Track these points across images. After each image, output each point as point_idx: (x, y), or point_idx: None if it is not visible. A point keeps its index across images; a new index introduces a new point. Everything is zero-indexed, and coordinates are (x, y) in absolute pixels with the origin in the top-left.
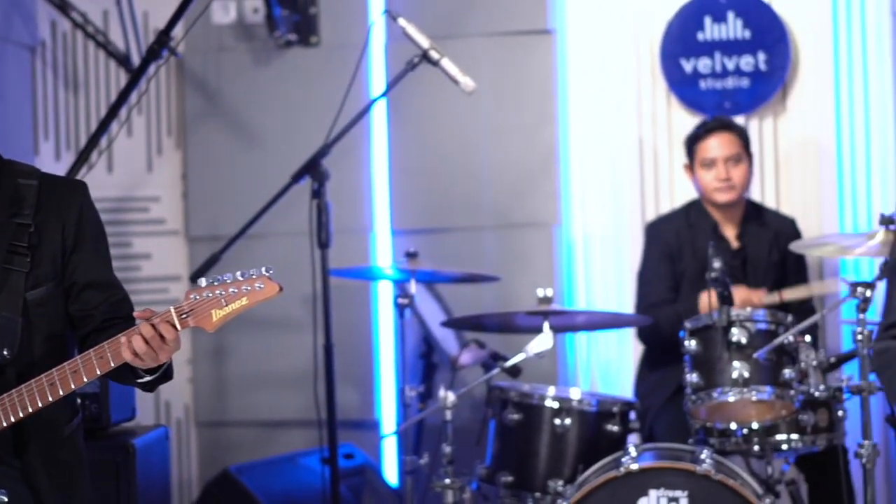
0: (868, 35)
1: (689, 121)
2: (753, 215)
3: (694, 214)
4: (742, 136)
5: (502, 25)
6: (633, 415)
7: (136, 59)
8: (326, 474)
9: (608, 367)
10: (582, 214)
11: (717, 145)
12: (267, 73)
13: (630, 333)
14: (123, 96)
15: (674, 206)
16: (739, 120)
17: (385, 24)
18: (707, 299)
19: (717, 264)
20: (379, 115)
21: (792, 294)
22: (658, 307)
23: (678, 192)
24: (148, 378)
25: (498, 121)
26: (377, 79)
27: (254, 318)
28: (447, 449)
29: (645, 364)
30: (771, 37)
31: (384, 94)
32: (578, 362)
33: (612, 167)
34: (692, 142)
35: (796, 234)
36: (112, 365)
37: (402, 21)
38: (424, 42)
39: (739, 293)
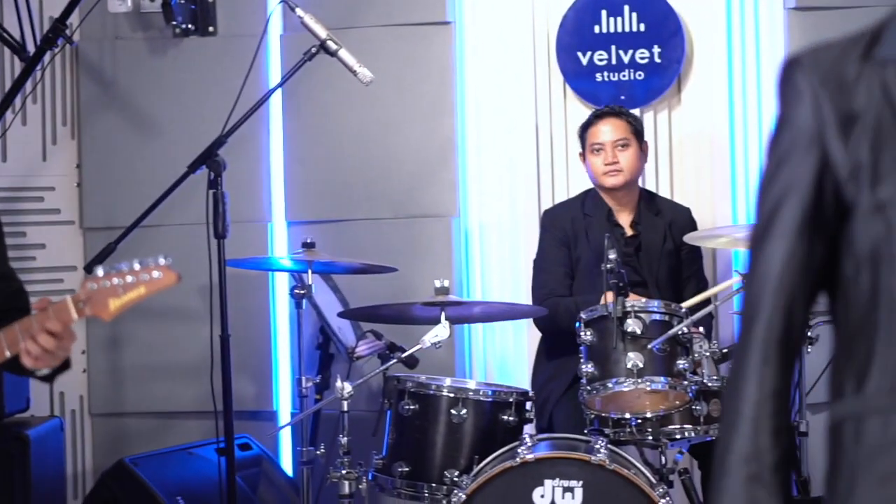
0: (761, 29)
1: (585, 113)
2: (648, 203)
3: (589, 202)
4: (632, 122)
5: (401, 16)
6: (529, 405)
7: (31, 48)
8: (222, 465)
9: (505, 357)
10: (479, 205)
11: (605, 130)
12: (163, 62)
13: (526, 324)
14: (18, 85)
15: (575, 195)
16: (634, 112)
17: (283, 13)
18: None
19: (612, 255)
20: (276, 106)
21: (690, 303)
22: (557, 297)
23: (574, 182)
24: (46, 371)
25: (396, 112)
26: (274, 69)
27: (150, 308)
28: (343, 439)
29: (541, 354)
30: (666, 30)
31: (281, 85)
32: (475, 353)
33: (509, 158)
34: (584, 129)
35: (691, 223)
36: (7, 355)
37: (299, 11)
38: (322, 32)
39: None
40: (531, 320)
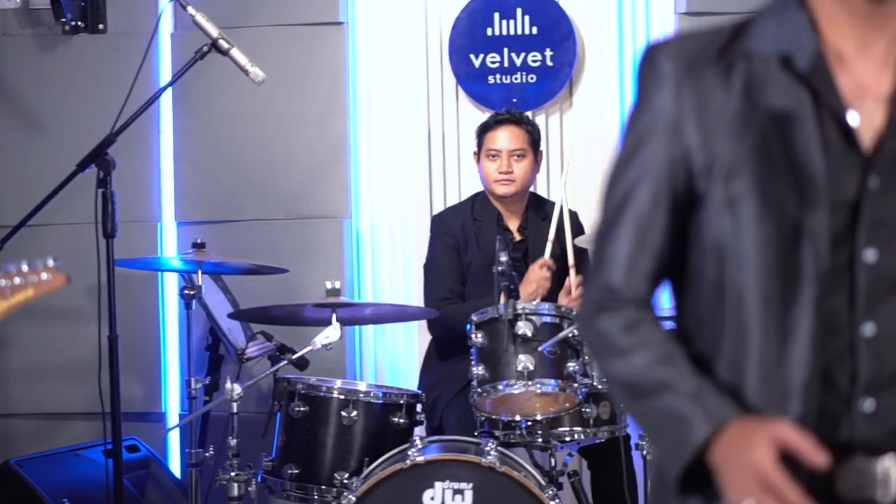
0: (652, 33)
1: (477, 115)
2: (536, 208)
3: (478, 206)
4: (530, 131)
5: (293, 16)
6: (419, 407)
7: None
8: (109, 467)
9: (396, 359)
10: (371, 207)
11: (503, 137)
12: (53, 59)
13: (417, 326)
14: None
15: (462, 200)
16: (528, 114)
17: (174, 12)
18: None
19: (503, 258)
20: (167, 105)
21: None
22: (449, 300)
23: (466, 185)
24: None
25: (288, 112)
26: (165, 68)
27: (37, 308)
28: (232, 441)
29: (432, 356)
30: (558, 34)
31: (171, 83)
32: (366, 355)
33: (401, 160)
34: (482, 130)
35: (578, 227)
36: None
37: (191, 9)
38: (213, 31)
39: (530, 275)
40: (423, 322)
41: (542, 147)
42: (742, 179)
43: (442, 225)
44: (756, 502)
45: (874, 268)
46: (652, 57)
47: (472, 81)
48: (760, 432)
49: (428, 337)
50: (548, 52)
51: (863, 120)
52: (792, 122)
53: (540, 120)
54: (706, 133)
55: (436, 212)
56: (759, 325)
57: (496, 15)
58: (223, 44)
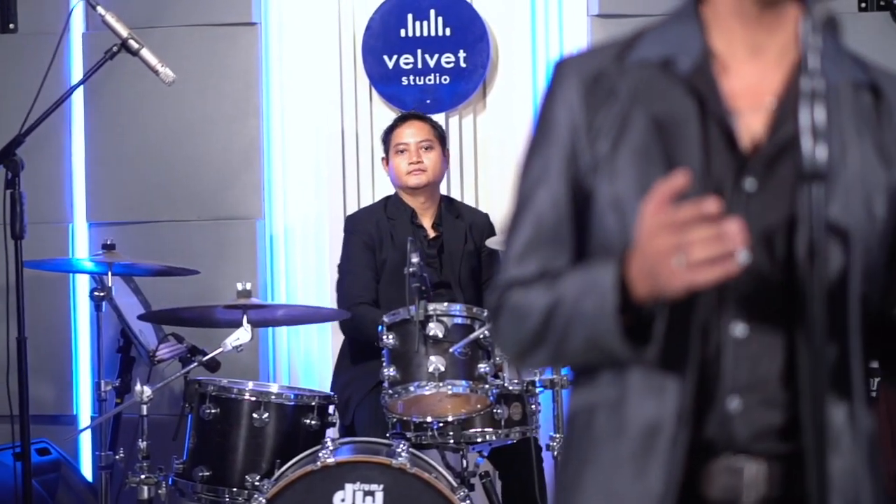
0: (565, 35)
1: (391, 116)
2: (449, 208)
3: (391, 206)
4: (435, 127)
5: (206, 16)
6: (331, 408)
7: None
8: (19, 470)
9: (309, 360)
10: (284, 208)
11: (409, 132)
12: None
13: (331, 327)
14: None
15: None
16: (440, 117)
17: (85, 11)
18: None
19: (415, 259)
20: (78, 105)
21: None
22: (365, 305)
23: (380, 186)
24: None
25: (201, 112)
26: (77, 67)
27: None
28: (142, 444)
29: (344, 357)
30: (471, 35)
31: (81, 83)
32: (280, 356)
33: (315, 161)
34: (387, 132)
35: (490, 227)
36: None
37: (100, 9)
38: (123, 31)
39: None
40: (336, 323)
41: (456, 149)
42: (624, 181)
43: (356, 223)
44: (685, 254)
45: (746, 268)
46: (554, 72)
47: (385, 83)
48: (643, 216)
49: (341, 338)
50: (461, 54)
51: (749, 122)
52: (674, 124)
53: (453, 121)
54: (595, 139)
55: (350, 213)
56: None
57: (409, 16)
58: (133, 44)
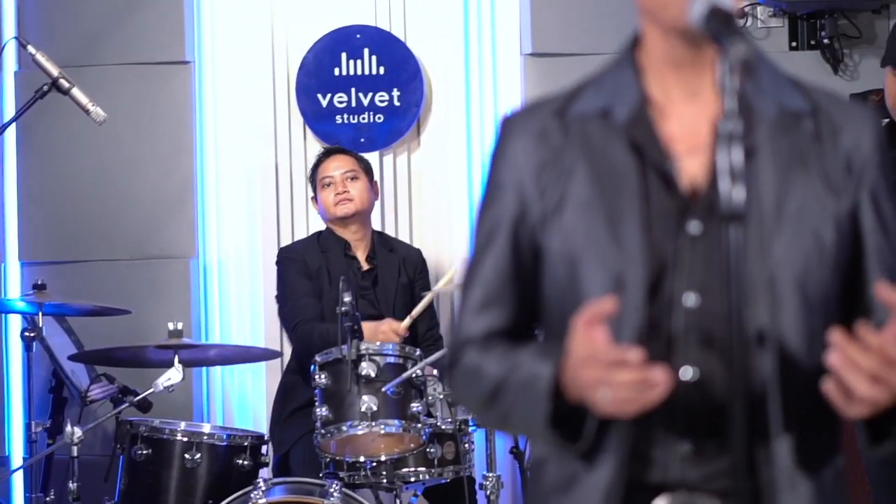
0: (499, 73)
1: None
2: (382, 241)
3: (324, 239)
4: (359, 159)
5: (139, 55)
6: (265, 449)
7: None
8: None
9: (244, 400)
10: (218, 246)
11: (333, 165)
12: None
13: (265, 366)
14: None
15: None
16: (374, 155)
17: (16, 49)
18: (373, 329)
19: (347, 298)
20: (10, 144)
21: (419, 308)
22: (310, 323)
23: (314, 224)
24: None
25: (134, 151)
26: (9, 106)
27: None
28: (73, 485)
29: (280, 397)
30: (405, 73)
31: (12, 122)
32: (213, 396)
33: (249, 199)
34: (313, 170)
35: (422, 264)
36: None
37: (31, 48)
38: (54, 70)
39: (382, 327)
40: (271, 362)
41: (391, 187)
42: (572, 236)
43: (290, 253)
44: (610, 390)
45: (694, 312)
46: (501, 127)
47: (319, 121)
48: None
49: (277, 377)
50: (395, 92)
51: (689, 165)
52: (615, 176)
53: (388, 159)
54: (541, 191)
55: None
56: None
57: (343, 55)
58: (64, 83)
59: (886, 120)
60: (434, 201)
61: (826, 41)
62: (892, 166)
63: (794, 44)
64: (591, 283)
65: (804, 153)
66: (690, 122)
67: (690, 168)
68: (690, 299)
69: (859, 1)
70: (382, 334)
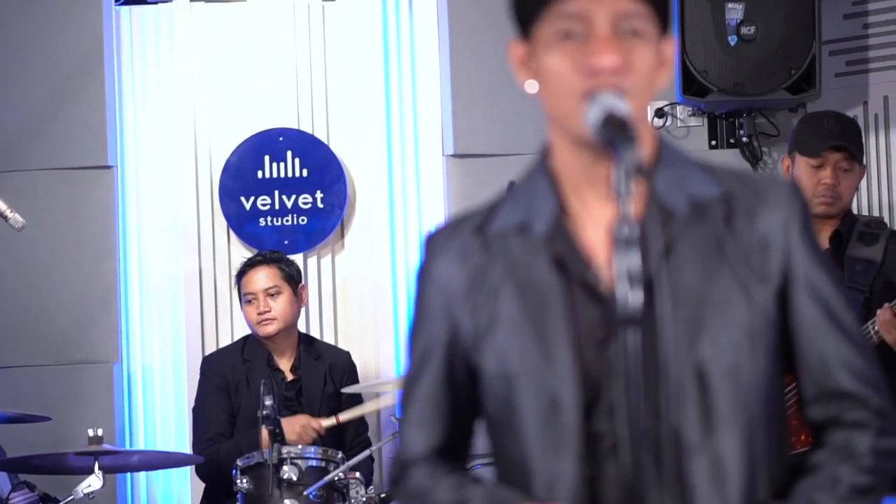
0: (422, 174)
1: (249, 257)
2: (308, 348)
3: (248, 348)
4: (283, 268)
5: (61, 160)
6: None
7: None
8: None
9: None
10: (142, 351)
11: (255, 280)
12: None
13: (189, 472)
14: None
15: (236, 340)
16: (298, 257)
17: None
18: (290, 423)
19: (268, 402)
20: None
21: (348, 415)
22: (217, 442)
23: (239, 328)
24: None
25: (56, 256)
26: None
27: None
28: None
29: (204, 502)
30: (328, 176)
31: None
32: (138, 502)
33: (173, 304)
34: (238, 278)
35: (351, 367)
36: None
37: None
38: None
39: (298, 420)
40: (194, 468)
41: (315, 289)
42: (502, 353)
43: (212, 366)
44: None
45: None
46: (424, 248)
47: (243, 224)
48: None
49: (201, 482)
50: (318, 194)
51: (611, 272)
52: (540, 291)
53: (312, 261)
54: (469, 312)
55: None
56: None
57: (266, 157)
58: None
59: None
60: (359, 302)
61: (745, 140)
62: None
63: (713, 143)
64: (527, 404)
65: (721, 241)
66: (608, 228)
67: (613, 275)
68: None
69: (776, 100)
70: (301, 427)
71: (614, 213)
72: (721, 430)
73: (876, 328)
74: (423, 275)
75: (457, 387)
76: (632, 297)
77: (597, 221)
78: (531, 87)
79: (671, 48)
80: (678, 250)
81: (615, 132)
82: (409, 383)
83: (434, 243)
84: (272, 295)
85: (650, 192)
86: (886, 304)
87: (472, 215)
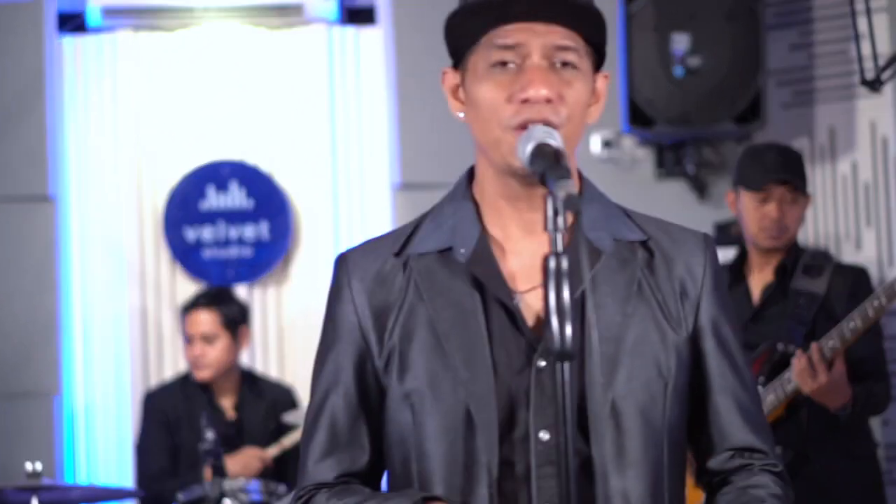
0: (367, 205)
1: (193, 289)
2: (251, 387)
3: (191, 385)
4: (224, 312)
5: (1, 192)
6: None
7: None
8: None
9: None
10: (84, 384)
11: (194, 322)
12: None
13: None
14: None
15: (179, 374)
16: (242, 289)
17: None
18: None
19: (210, 436)
20: None
21: (291, 439)
22: (159, 479)
23: (182, 361)
24: None
25: None
26: None
27: None
28: None
29: None
30: (273, 207)
31: None
32: None
33: (116, 336)
34: (182, 315)
35: (293, 402)
36: None
37: None
38: None
39: (243, 453)
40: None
41: (259, 321)
42: (414, 375)
43: (153, 403)
44: None
45: (545, 446)
46: (335, 268)
47: (187, 255)
48: None
49: None
50: (263, 225)
51: (532, 301)
52: (460, 315)
53: (257, 293)
54: (382, 336)
55: (152, 387)
56: None
57: (211, 188)
58: None
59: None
60: (303, 333)
61: (691, 170)
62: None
63: (660, 173)
64: (436, 426)
65: (640, 284)
66: (529, 257)
67: (534, 304)
68: (544, 434)
69: (722, 131)
70: (246, 458)
71: (536, 244)
72: (631, 468)
73: (791, 377)
74: (335, 294)
75: (368, 411)
76: (564, 331)
77: (518, 252)
78: (461, 115)
79: (605, 84)
80: (601, 287)
81: (547, 164)
82: (317, 408)
83: (348, 263)
84: (208, 340)
85: (575, 230)
86: (800, 353)
87: (388, 238)
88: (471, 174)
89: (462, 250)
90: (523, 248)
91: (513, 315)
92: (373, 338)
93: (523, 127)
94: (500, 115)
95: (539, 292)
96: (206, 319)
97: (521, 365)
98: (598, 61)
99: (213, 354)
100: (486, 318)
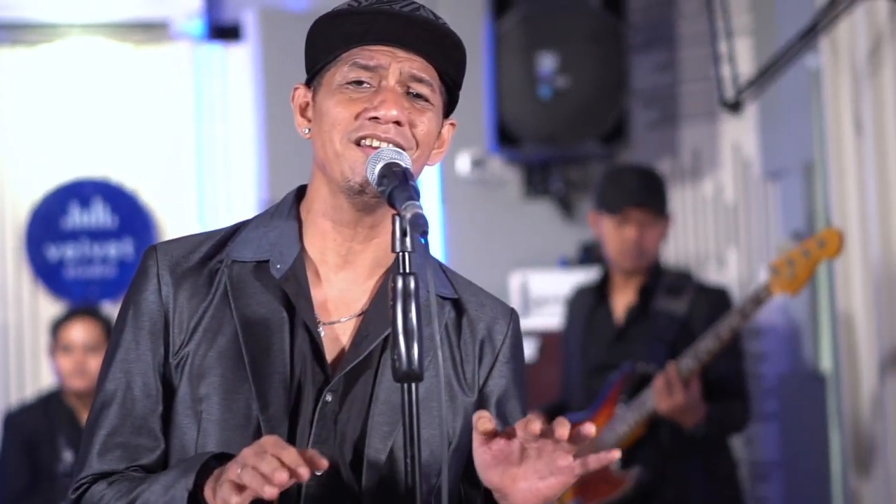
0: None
1: (56, 308)
2: None
3: (53, 407)
4: (103, 324)
5: None
6: None
7: None
8: None
9: None
10: None
11: (75, 332)
12: None
13: None
14: None
15: (41, 393)
16: (107, 305)
17: None
18: None
19: (68, 457)
20: None
21: None
22: (17, 501)
23: (44, 379)
24: None
25: None
26: None
27: None
28: None
29: None
30: (138, 225)
31: None
32: None
33: None
34: (55, 327)
35: None
36: None
37: None
38: None
39: None
40: None
41: None
42: (208, 382)
43: (13, 423)
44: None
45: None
46: (143, 257)
47: (49, 274)
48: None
49: None
50: (128, 244)
51: (337, 332)
52: (265, 329)
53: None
54: (182, 334)
55: (12, 406)
56: None
57: (74, 205)
58: None
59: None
60: None
61: (558, 190)
62: (607, 317)
63: (527, 192)
64: (223, 432)
65: (443, 339)
66: (342, 288)
67: (338, 335)
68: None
69: (588, 151)
70: None
71: (352, 277)
72: None
73: (650, 397)
74: (141, 283)
75: (157, 407)
76: (412, 352)
77: (331, 280)
78: (306, 132)
79: (451, 132)
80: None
81: (395, 184)
82: (108, 397)
83: (159, 254)
84: (92, 350)
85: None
86: (660, 374)
87: (205, 237)
88: (300, 192)
89: (278, 266)
90: (337, 279)
91: (315, 342)
92: (173, 332)
93: (360, 142)
94: (344, 129)
95: (344, 326)
96: (90, 329)
97: (313, 395)
98: (449, 107)
99: (95, 364)
100: (291, 338)
